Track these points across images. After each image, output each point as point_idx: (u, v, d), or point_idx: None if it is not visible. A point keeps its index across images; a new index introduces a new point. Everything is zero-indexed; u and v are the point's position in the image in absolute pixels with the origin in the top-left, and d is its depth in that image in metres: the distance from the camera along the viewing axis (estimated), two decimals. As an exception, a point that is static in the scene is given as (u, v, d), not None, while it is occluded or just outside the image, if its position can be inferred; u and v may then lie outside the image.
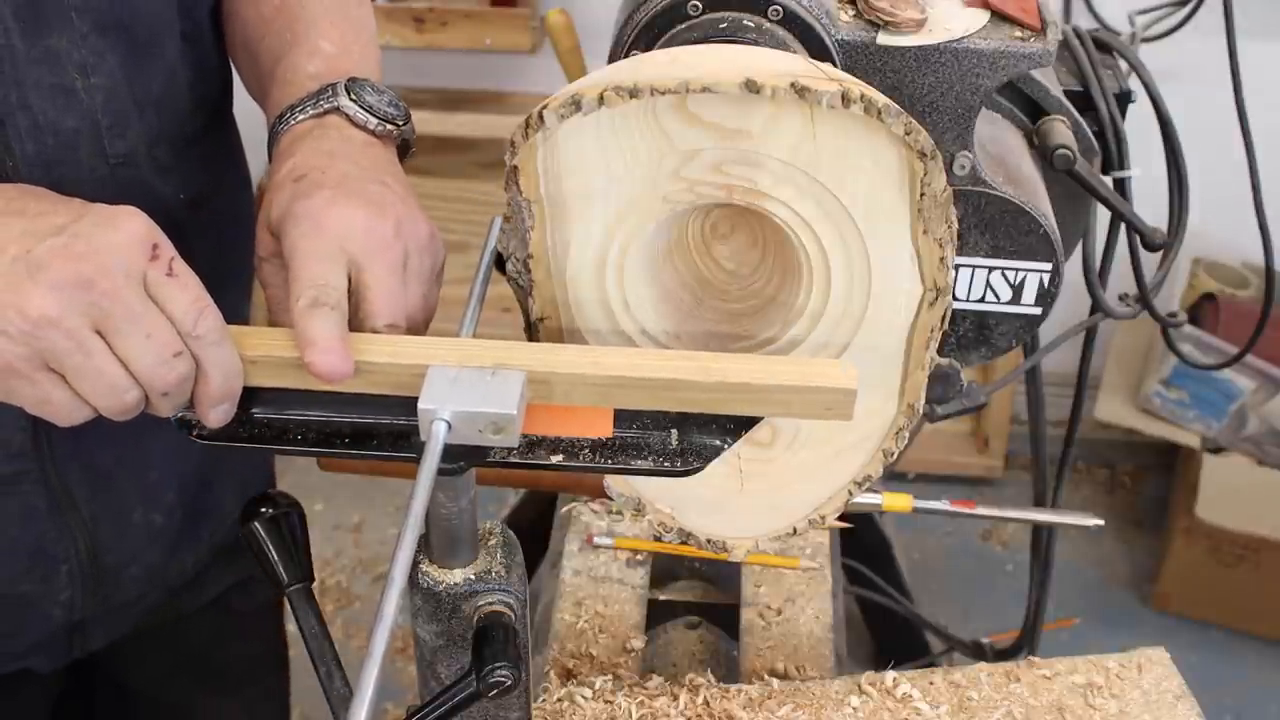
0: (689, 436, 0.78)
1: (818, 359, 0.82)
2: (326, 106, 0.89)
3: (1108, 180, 1.11)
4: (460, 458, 0.73)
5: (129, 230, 0.71)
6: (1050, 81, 1.07)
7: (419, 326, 0.82)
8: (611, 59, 0.96)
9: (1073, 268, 1.10)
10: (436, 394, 0.72)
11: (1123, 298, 1.24)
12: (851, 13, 0.95)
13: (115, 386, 0.71)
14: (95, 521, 1.05)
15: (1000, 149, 1.02)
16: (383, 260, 0.79)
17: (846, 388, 0.74)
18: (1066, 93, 1.08)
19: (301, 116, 0.89)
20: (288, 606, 0.87)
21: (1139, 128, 1.15)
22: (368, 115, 0.89)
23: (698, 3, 0.91)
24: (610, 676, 1.13)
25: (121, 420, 0.74)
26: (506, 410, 0.71)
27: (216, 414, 0.75)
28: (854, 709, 1.07)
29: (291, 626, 0.98)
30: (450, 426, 0.71)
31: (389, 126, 0.90)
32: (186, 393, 0.74)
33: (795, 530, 0.92)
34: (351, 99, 0.89)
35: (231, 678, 1.36)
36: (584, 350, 0.77)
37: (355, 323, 0.78)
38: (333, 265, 0.78)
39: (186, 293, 0.72)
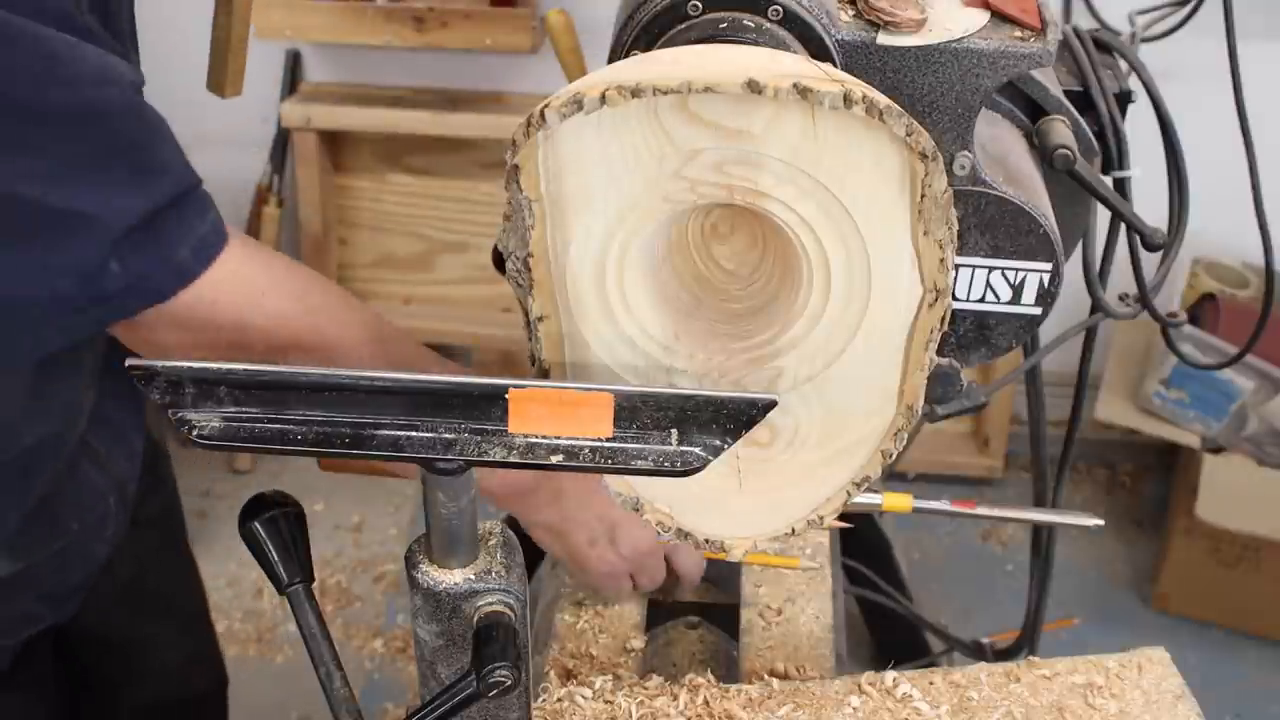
0: (689, 436, 0.78)
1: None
2: None
3: (1108, 180, 1.11)
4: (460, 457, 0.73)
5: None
6: (1050, 81, 1.06)
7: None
8: (611, 59, 0.96)
9: (1073, 268, 1.09)
10: None
11: (1123, 298, 1.24)
12: (851, 13, 0.95)
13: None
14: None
15: (1000, 149, 1.02)
16: None
17: None
18: (1066, 93, 1.08)
19: None
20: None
21: (1139, 128, 1.15)
22: None
23: (698, 3, 0.91)
24: (610, 676, 1.13)
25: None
26: None
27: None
28: (854, 709, 1.07)
29: (291, 626, 0.98)
30: None
31: None
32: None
33: (794, 530, 0.92)
34: None
35: (160, 599, 1.47)
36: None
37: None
38: None
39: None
